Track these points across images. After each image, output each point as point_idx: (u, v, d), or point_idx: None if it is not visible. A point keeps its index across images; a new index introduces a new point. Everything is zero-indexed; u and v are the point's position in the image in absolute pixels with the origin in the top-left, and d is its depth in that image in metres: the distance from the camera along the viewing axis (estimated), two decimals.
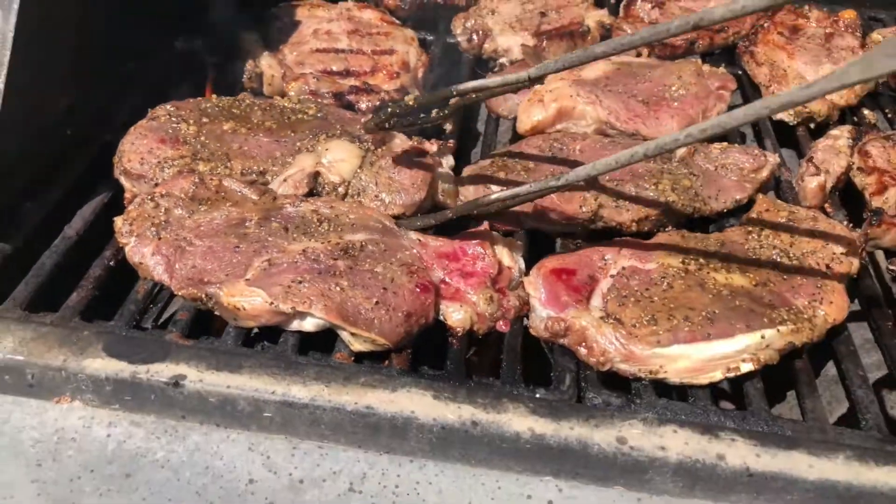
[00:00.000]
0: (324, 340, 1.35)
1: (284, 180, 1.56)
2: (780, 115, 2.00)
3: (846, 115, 2.05)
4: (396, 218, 1.53)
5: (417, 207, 1.57)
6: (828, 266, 1.45)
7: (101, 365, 1.21)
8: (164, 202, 1.46)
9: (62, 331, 1.26)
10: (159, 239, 1.39)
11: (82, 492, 1.16)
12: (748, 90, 2.15)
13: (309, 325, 1.31)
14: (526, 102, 1.88)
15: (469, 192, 1.63)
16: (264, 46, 1.96)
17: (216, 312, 1.34)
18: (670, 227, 1.61)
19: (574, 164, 1.68)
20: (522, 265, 1.47)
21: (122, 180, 1.57)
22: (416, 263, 1.41)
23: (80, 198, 1.59)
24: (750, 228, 1.54)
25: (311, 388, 1.20)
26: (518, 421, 1.18)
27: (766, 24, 2.21)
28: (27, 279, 1.40)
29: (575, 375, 1.31)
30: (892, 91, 2.14)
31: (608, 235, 1.57)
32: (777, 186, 1.80)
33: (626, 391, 1.30)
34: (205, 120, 1.66)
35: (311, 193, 1.57)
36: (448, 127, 1.83)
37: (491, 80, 1.53)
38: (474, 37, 2.20)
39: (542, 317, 1.37)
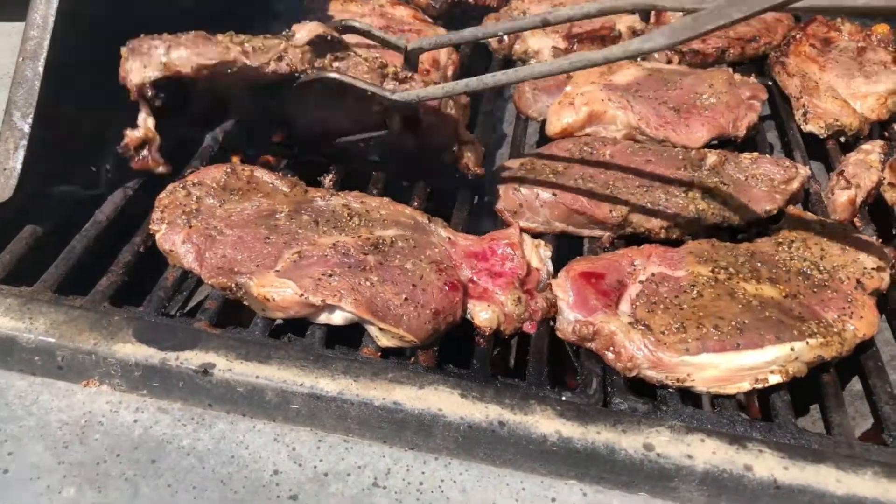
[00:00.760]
0: (350, 335, 1.35)
1: None
2: (811, 128, 1.99)
3: (876, 130, 2.04)
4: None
5: None
6: (858, 281, 1.44)
7: (132, 350, 1.21)
8: (196, 191, 1.46)
9: (93, 315, 1.26)
10: (190, 227, 1.40)
11: (108, 475, 1.16)
12: (778, 101, 2.14)
13: (338, 318, 1.31)
14: (556, 105, 1.88)
15: (497, 194, 1.63)
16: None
17: (245, 302, 1.34)
18: (699, 237, 1.60)
19: (604, 168, 1.68)
20: (551, 267, 1.47)
21: None
22: (446, 261, 1.40)
23: (111, 184, 1.60)
24: (780, 240, 1.53)
25: (339, 381, 1.19)
26: (545, 423, 1.17)
27: (798, 36, 2.20)
28: (58, 262, 1.40)
29: (601, 380, 1.31)
30: None
31: (637, 241, 1.56)
32: (806, 199, 1.79)
33: (651, 398, 1.30)
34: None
35: None
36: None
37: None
38: (505, 38, 2.20)
39: (569, 320, 1.37)
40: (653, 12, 2.36)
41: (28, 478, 1.15)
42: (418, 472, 1.18)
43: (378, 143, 1.63)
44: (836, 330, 1.35)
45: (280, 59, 1.52)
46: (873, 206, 1.77)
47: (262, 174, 1.53)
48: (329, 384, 1.19)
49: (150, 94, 1.51)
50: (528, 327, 1.40)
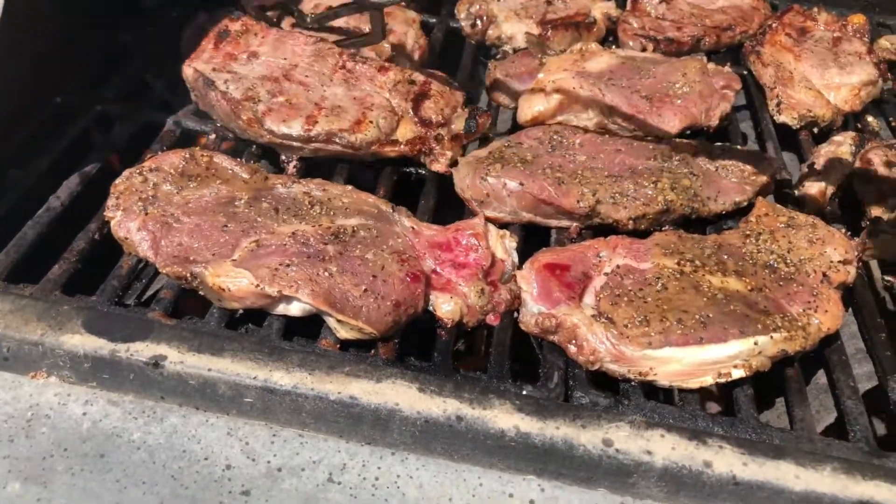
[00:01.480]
0: (310, 326, 1.32)
1: None
2: (784, 119, 1.97)
3: (849, 121, 2.03)
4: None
5: None
6: (824, 274, 1.43)
7: (80, 341, 1.18)
8: (153, 177, 1.43)
9: (41, 304, 1.23)
10: (146, 214, 1.36)
11: (54, 470, 1.13)
12: (753, 90, 2.12)
13: (295, 309, 1.28)
14: (528, 92, 1.85)
15: (465, 182, 1.60)
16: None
17: (200, 292, 1.31)
18: (667, 227, 1.59)
19: (573, 157, 1.66)
20: (516, 258, 1.45)
21: None
22: (408, 252, 1.38)
23: (69, 167, 1.55)
24: (748, 232, 1.52)
25: (294, 375, 1.17)
26: (504, 418, 1.16)
27: (774, 25, 2.18)
28: (7, 249, 1.37)
29: (563, 373, 1.29)
30: None
31: (604, 232, 1.54)
32: (777, 190, 1.77)
33: (614, 392, 1.28)
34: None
35: None
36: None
37: None
38: (478, 22, 2.16)
39: (533, 312, 1.35)
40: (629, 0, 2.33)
41: None
42: (374, 468, 1.16)
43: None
44: (800, 324, 1.33)
45: None
46: (843, 197, 1.76)
47: (222, 160, 1.50)
48: (283, 378, 1.16)
49: None
50: (492, 319, 1.38)
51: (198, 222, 1.36)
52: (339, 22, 1.89)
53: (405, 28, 1.97)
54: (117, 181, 1.42)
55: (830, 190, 1.71)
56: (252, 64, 1.71)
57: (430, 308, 1.35)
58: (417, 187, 1.67)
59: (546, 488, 1.16)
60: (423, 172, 1.68)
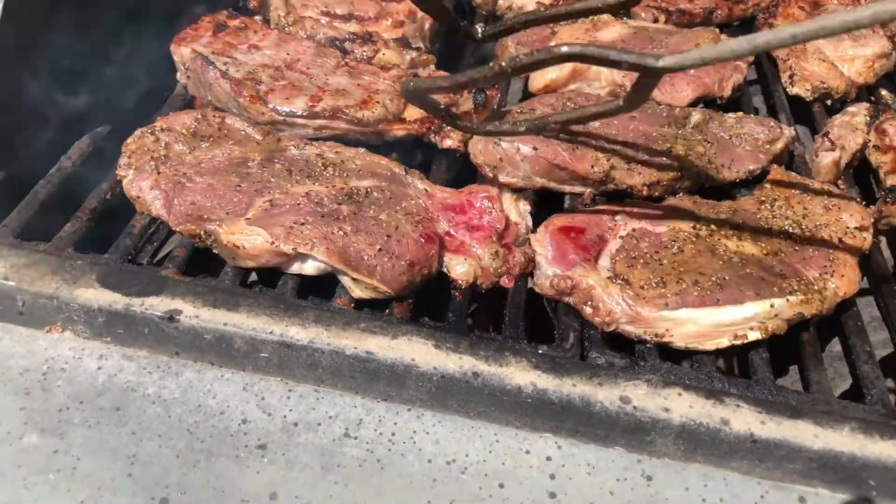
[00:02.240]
0: (323, 286, 1.32)
1: None
2: (797, 91, 1.96)
3: (863, 94, 2.02)
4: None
5: None
6: (840, 240, 1.42)
7: (94, 295, 1.17)
8: (165, 136, 1.42)
9: (55, 259, 1.22)
10: (158, 173, 1.35)
11: (70, 422, 1.13)
12: (765, 64, 2.11)
13: (310, 268, 1.27)
14: None
15: (478, 147, 1.59)
16: None
17: (214, 250, 1.30)
18: (681, 194, 1.58)
19: (587, 125, 1.64)
20: (530, 222, 1.44)
21: None
22: (422, 214, 1.37)
23: (78, 129, 1.54)
24: (763, 198, 1.51)
25: (310, 330, 1.16)
26: (520, 375, 1.15)
27: None
28: (20, 207, 1.36)
29: (579, 334, 1.29)
30: None
31: (618, 199, 1.54)
32: (791, 161, 1.76)
33: (629, 353, 1.28)
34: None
35: None
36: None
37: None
38: None
39: (547, 274, 1.34)
40: None
41: None
42: (391, 423, 1.16)
43: None
44: (816, 288, 1.33)
45: None
46: (858, 168, 1.75)
47: (234, 121, 1.49)
48: (300, 332, 1.16)
49: None
50: (506, 281, 1.38)
51: (210, 182, 1.35)
52: None
53: None
54: (129, 140, 1.41)
55: (845, 160, 1.70)
56: (252, 54, 1.68)
57: (445, 269, 1.34)
58: (429, 157, 1.66)
59: (563, 446, 1.16)
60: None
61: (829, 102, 1.96)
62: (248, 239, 1.25)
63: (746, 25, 2.23)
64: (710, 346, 1.28)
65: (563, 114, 1.42)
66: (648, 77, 1.10)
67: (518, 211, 1.44)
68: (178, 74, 1.68)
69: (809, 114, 1.96)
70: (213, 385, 1.17)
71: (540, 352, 1.22)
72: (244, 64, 1.61)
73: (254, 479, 1.10)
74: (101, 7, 1.71)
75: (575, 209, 1.54)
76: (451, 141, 1.62)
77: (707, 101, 1.85)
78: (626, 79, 1.79)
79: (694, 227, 1.41)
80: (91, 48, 1.71)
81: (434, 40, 1.96)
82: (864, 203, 1.57)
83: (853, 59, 1.98)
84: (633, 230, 1.40)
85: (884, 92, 2.02)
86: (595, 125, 1.64)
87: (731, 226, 1.42)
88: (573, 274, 1.31)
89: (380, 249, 1.27)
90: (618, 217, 1.43)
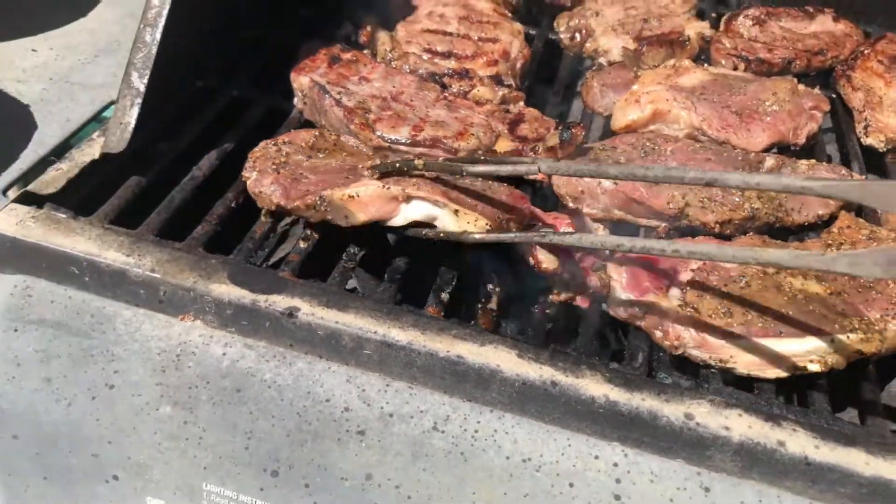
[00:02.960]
0: (417, 297, 1.47)
1: None
2: (871, 141, 2.04)
3: None
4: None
5: None
6: None
7: (226, 290, 1.35)
8: (286, 147, 1.60)
9: (192, 257, 1.41)
10: (278, 173, 1.52)
11: (199, 399, 1.30)
12: (840, 114, 2.19)
13: (415, 211, 1.44)
14: (622, 101, 1.97)
15: (562, 179, 1.73)
16: (380, 22, 2.09)
17: (329, 217, 1.44)
18: (751, 233, 1.68)
19: (664, 163, 1.77)
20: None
21: None
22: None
23: (207, 144, 1.75)
24: (830, 241, 1.61)
25: (408, 332, 1.31)
26: (594, 387, 1.28)
27: (866, 51, 2.25)
28: (159, 209, 1.55)
29: (647, 355, 1.40)
30: None
31: (690, 234, 1.65)
32: (860, 210, 1.84)
33: (694, 377, 1.39)
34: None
35: None
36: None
37: (502, 168, 1.45)
38: (577, 35, 2.29)
39: (622, 299, 1.46)
40: (723, 19, 2.43)
41: (130, 394, 1.30)
42: (474, 421, 1.29)
43: None
44: (877, 328, 1.41)
45: None
46: None
47: (349, 139, 1.67)
48: (400, 334, 1.31)
49: None
50: (581, 301, 1.50)
51: (324, 177, 1.52)
52: None
53: (510, 38, 2.11)
54: (255, 150, 1.59)
55: None
56: (363, 85, 1.86)
57: (531, 262, 1.47)
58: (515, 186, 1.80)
59: (629, 454, 1.27)
60: None
61: None
62: (361, 188, 1.42)
63: (822, 76, 2.31)
64: (770, 374, 1.38)
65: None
66: None
67: None
68: (296, 100, 1.87)
69: (882, 164, 2.03)
70: (321, 376, 1.32)
71: (612, 367, 1.34)
72: (355, 94, 1.79)
73: (353, 461, 1.25)
74: (229, 39, 1.93)
75: None
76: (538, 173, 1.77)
77: (781, 148, 1.95)
78: (704, 122, 1.91)
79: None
80: (218, 72, 1.92)
81: (524, 78, 2.11)
82: None
83: None
84: (704, 264, 1.51)
85: None
86: (672, 165, 1.76)
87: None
88: (646, 300, 1.43)
89: (482, 191, 1.50)
90: None
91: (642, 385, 1.29)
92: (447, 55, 2.04)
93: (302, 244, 1.53)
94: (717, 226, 1.67)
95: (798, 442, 1.24)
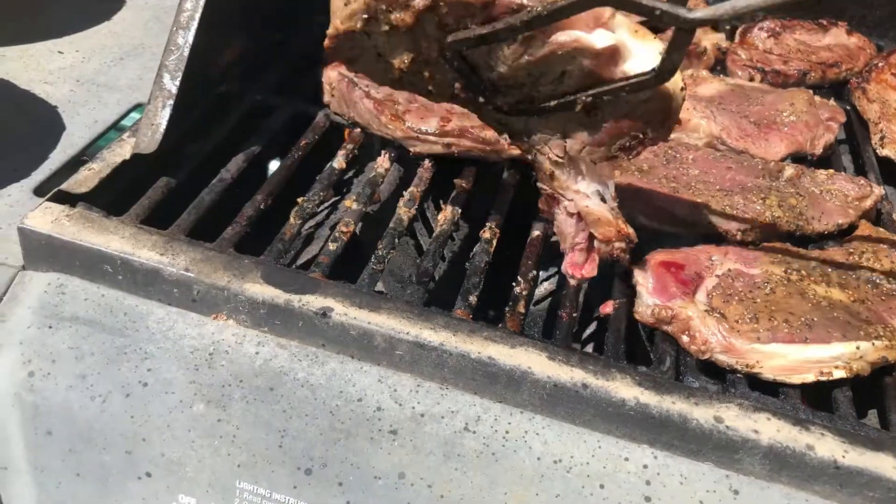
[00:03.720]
0: (445, 299, 1.49)
1: None
2: (887, 153, 2.07)
3: None
4: None
5: None
6: None
7: (260, 290, 1.36)
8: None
9: (225, 257, 1.42)
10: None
11: (232, 397, 1.31)
12: (855, 126, 2.21)
13: None
14: None
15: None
16: None
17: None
18: (773, 241, 1.70)
19: (686, 171, 1.79)
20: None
21: None
22: None
23: (233, 147, 1.76)
24: (851, 250, 1.62)
25: (440, 334, 1.33)
26: (625, 389, 1.29)
27: (880, 64, 2.28)
28: (189, 210, 1.56)
29: (675, 359, 1.42)
30: None
31: (713, 241, 1.67)
32: (878, 218, 1.87)
33: (721, 381, 1.40)
34: None
35: None
36: None
37: None
38: None
39: (648, 304, 1.48)
40: (738, 31, 2.46)
41: (164, 391, 1.31)
42: (505, 422, 1.30)
43: None
44: None
45: None
46: None
47: None
48: (431, 335, 1.32)
49: None
50: (605, 308, 1.52)
51: None
52: None
53: None
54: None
55: None
56: None
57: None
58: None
59: (658, 456, 1.29)
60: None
61: None
62: None
63: (837, 88, 2.34)
64: (796, 380, 1.40)
65: None
66: (682, 31, 1.06)
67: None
68: (325, 95, 1.89)
69: None
70: (353, 375, 1.34)
71: (641, 370, 1.35)
72: (382, 88, 1.82)
73: (385, 459, 1.26)
74: (251, 44, 1.95)
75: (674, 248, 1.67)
76: None
77: (798, 158, 1.97)
78: (723, 131, 1.93)
79: (785, 272, 1.53)
80: (240, 77, 1.94)
81: None
82: None
83: None
84: (729, 270, 1.53)
85: None
86: (694, 173, 1.78)
87: (820, 273, 1.54)
88: (673, 305, 1.45)
89: None
90: (714, 257, 1.56)
91: (672, 388, 1.31)
92: None
93: (331, 245, 1.54)
94: (739, 233, 1.69)
95: (827, 446, 1.25)
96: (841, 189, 1.80)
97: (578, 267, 1.52)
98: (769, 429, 1.27)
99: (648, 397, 1.29)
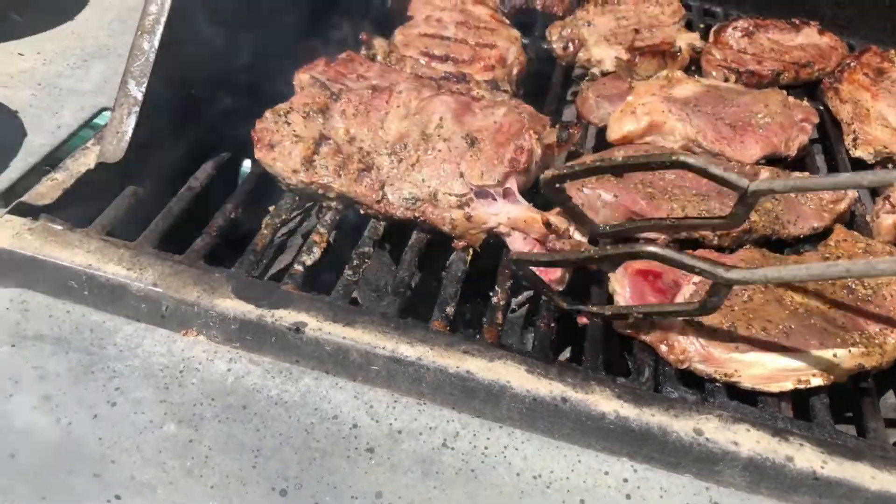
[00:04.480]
0: (422, 311, 1.46)
1: None
2: (860, 153, 2.07)
3: None
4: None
5: None
6: None
7: (231, 305, 1.32)
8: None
9: (196, 270, 1.38)
10: None
11: (203, 416, 1.28)
12: (828, 126, 2.22)
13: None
14: (618, 113, 1.98)
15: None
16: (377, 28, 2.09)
17: None
18: (748, 245, 1.70)
19: (662, 175, 1.78)
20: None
21: None
22: None
23: (202, 153, 1.72)
24: (827, 255, 1.63)
25: (417, 348, 1.30)
26: (604, 403, 1.28)
27: (852, 64, 2.29)
28: (157, 220, 1.52)
29: (653, 369, 1.41)
30: None
31: (689, 246, 1.66)
32: (852, 220, 1.87)
33: (699, 390, 1.40)
34: None
35: None
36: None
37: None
38: (570, 45, 2.30)
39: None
40: (712, 30, 2.45)
41: (133, 411, 1.27)
42: (484, 438, 1.29)
43: None
44: (877, 342, 1.43)
45: None
46: None
47: None
48: (408, 350, 1.30)
49: None
50: (581, 319, 1.50)
51: None
52: None
53: (507, 44, 2.11)
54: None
55: None
56: (360, 82, 1.85)
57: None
58: None
59: (638, 470, 1.28)
60: None
61: (890, 166, 2.06)
62: None
63: (810, 88, 2.35)
64: (774, 388, 1.40)
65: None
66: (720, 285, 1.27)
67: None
68: None
69: None
70: (329, 392, 1.31)
71: (619, 382, 1.34)
72: (354, 90, 1.78)
73: (362, 479, 1.24)
74: (220, 47, 1.90)
75: None
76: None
77: (773, 160, 1.97)
78: (699, 134, 1.92)
79: None
80: (210, 81, 1.89)
81: (520, 86, 2.11)
82: None
83: None
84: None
85: None
86: (670, 178, 1.77)
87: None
88: None
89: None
90: None
91: (651, 400, 1.30)
92: (444, 59, 2.03)
93: (304, 256, 1.51)
94: (716, 238, 1.68)
95: (806, 457, 1.25)
96: (815, 193, 1.80)
97: (545, 273, 1.51)
98: (749, 440, 1.26)
99: (628, 410, 1.28)
